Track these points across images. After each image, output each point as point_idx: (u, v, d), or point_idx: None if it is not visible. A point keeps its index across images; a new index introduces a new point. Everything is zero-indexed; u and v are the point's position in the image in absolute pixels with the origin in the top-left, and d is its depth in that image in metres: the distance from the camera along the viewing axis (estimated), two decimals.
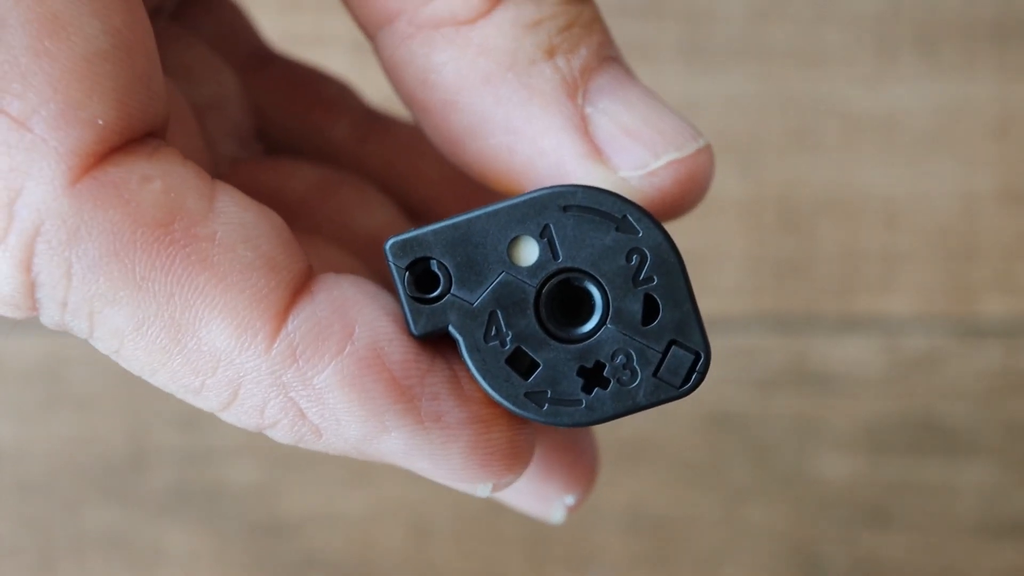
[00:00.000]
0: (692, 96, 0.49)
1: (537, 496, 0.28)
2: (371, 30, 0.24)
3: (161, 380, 0.22)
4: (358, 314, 0.22)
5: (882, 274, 0.49)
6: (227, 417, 0.23)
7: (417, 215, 0.30)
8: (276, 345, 0.22)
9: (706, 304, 0.51)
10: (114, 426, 0.49)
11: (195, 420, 0.49)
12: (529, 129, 0.23)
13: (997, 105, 0.49)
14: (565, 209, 0.22)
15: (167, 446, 0.49)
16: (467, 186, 0.25)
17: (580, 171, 0.24)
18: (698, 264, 0.49)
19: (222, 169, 0.28)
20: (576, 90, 0.24)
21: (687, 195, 0.24)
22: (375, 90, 0.32)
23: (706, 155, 0.24)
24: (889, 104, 0.49)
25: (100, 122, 0.21)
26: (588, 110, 0.24)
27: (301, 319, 0.22)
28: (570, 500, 0.29)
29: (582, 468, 0.29)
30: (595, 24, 0.24)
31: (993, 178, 0.49)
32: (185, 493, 0.49)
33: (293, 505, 0.49)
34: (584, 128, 0.23)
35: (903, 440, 0.49)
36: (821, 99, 0.49)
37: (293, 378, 0.22)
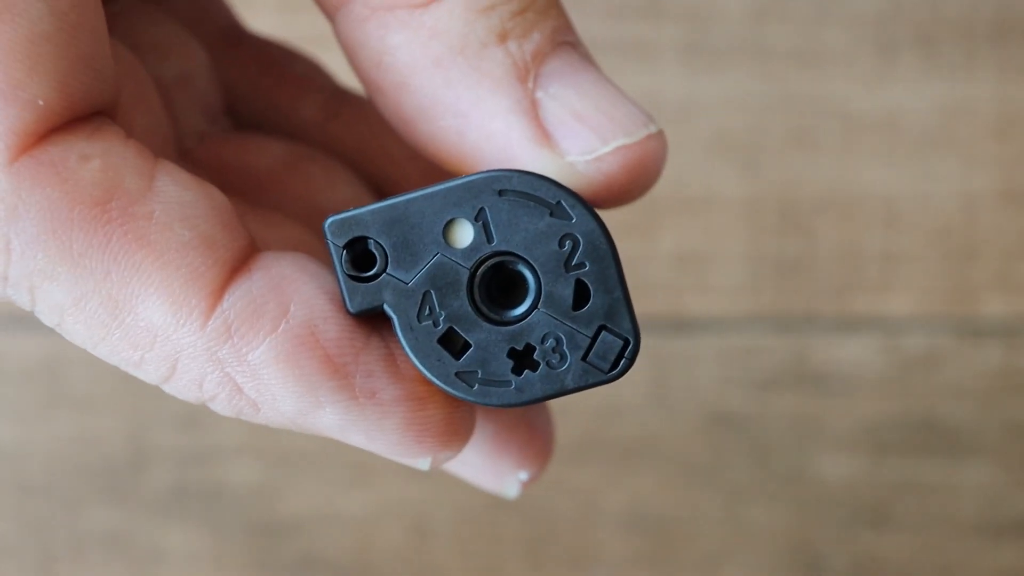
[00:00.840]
0: (692, 96, 0.49)
1: (491, 472, 0.29)
2: (330, 11, 0.25)
3: (103, 352, 0.23)
4: (295, 292, 0.23)
5: (882, 274, 0.49)
6: (169, 389, 0.23)
7: (384, 193, 0.30)
8: (211, 322, 0.22)
9: (706, 304, 0.51)
10: (114, 426, 0.49)
11: (195, 420, 0.49)
12: (477, 112, 0.24)
13: (997, 105, 0.49)
14: (501, 193, 0.23)
15: (167, 446, 0.49)
16: (434, 165, 0.25)
17: (527, 155, 0.24)
18: (698, 264, 0.49)
19: (189, 143, 0.28)
20: (527, 74, 0.24)
21: (635, 181, 0.24)
22: None
23: (656, 141, 0.24)
24: (889, 104, 0.49)
25: (40, 102, 0.21)
26: (538, 94, 0.24)
27: (236, 297, 0.22)
28: (524, 476, 0.29)
29: (536, 445, 0.29)
30: (551, 9, 0.24)
31: (993, 178, 0.49)
32: (185, 493, 0.49)
33: (293, 505, 0.49)
34: (533, 112, 0.24)
35: (903, 440, 0.49)
36: (821, 99, 0.49)
37: (228, 354, 0.22)
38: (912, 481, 0.48)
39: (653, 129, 0.24)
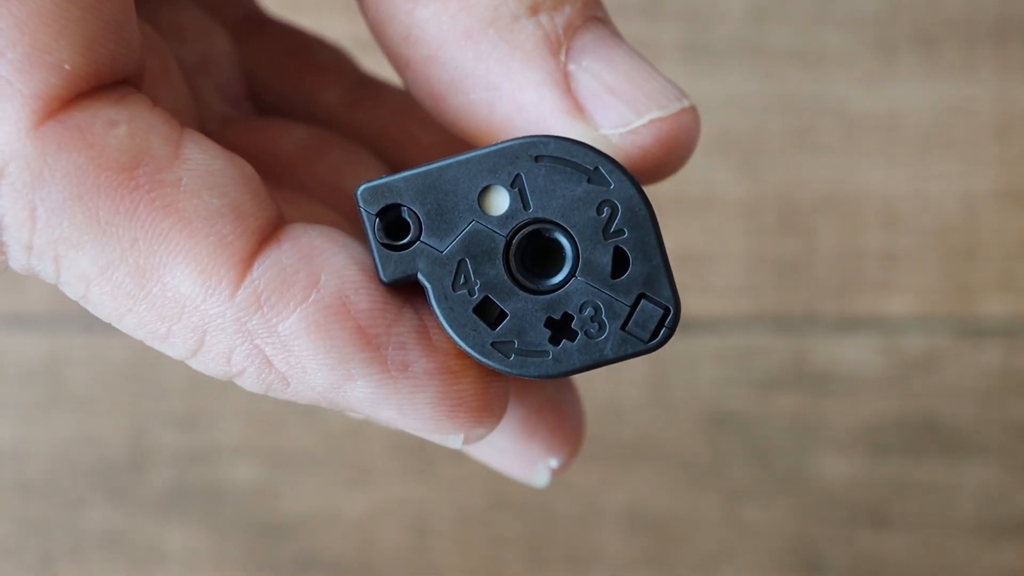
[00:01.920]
0: (692, 96, 0.49)
1: (520, 457, 0.28)
2: None
3: (129, 326, 0.22)
4: (325, 262, 0.22)
5: (882, 274, 0.49)
6: (196, 365, 0.23)
7: None
8: (240, 292, 0.22)
9: (706, 304, 0.51)
10: (114, 426, 0.49)
11: (195, 420, 0.49)
12: (509, 85, 0.23)
13: (997, 105, 0.49)
14: (537, 159, 0.22)
15: (167, 446, 0.49)
16: (460, 149, 0.25)
17: (560, 128, 0.23)
18: (698, 264, 0.49)
19: (211, 127, 0.28)
20: (559, 47, 0.23)
21: (669, 155, 0.24)
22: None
23: (690, 116, 0.24)
24: (889, 104, 0.49)
25: (67, 67, 0.21)
26: (571, 67, 0.23)
27: (266, 266, 0.22)
28: (554, 463, 0.29)
29: (567, 430, 0.29)
30: None
31: (993, 178, 0.49)
32: (185, 493, 0.49)
33: (293, 505, 0.49)
34: (566, 84, 0.23)
35: (903, 440, 0.49)
36: (821, 99, 0.49)
37: (258, 325, 0.22)
38: (912, 481, 0.48)
39: (687, 103, 0.24)
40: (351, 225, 0.26)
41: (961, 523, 0.48)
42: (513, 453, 0.28)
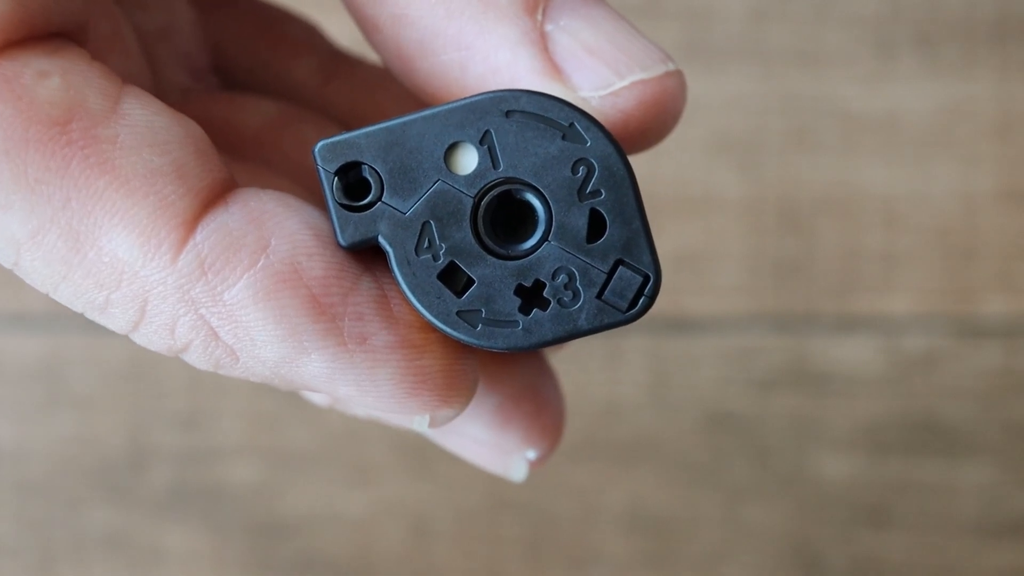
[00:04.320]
0: (692, 96, 0.49)
1: (495, 448, 0.27)
2: None
3: (65, 295, 0.21)
4: (276, 226, 0.21)
5: (882, 274, 0.49)
6: (139, 339, 0.21)
7: None
8: (183, 256, 0.20)
9: (706, 304, 0.51)
10: (114, 426, 0.49)
11: (195, 420, 0.49)
12: (482, 44, 0.22)
13: (997, 105, 0.49)
14: (508, 115, 0.21)
15: (167, 446, 0.49)
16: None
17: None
18: (698, 264, 0.49)
19: (171, 99, 0.26)
20: (535, 5, 0.22)
21: (653, 121, 0.22)
22: None
23: (676, 80, 0.22)
24: (889, 104, 0.49)
25: None
26: (548, 27, 0.22)
27: (211, 229, 0.21)
28: (532, 455, 0.27)
29: (545, 419, 0.27)
30: None
31: (993, 178, 0.49)
32: (185, 493, 0.49)
33: (293, 505, 0.49)
34: (542, 44, 0.22)
35: (903, 440, 0.49)
36: (821, 99, 0.49)
37: (202, 293, 0.21)
38: (912, 481, 0.48)
39: (672, 66, 0.23)
40: (317, 201, 0.25)
41: (961, 523, 0.48)
42: (488, 443, 0.27)
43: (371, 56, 0.27)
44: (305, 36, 0.29)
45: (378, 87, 0.29)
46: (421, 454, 0.48)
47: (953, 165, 0.49)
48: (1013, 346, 0.49)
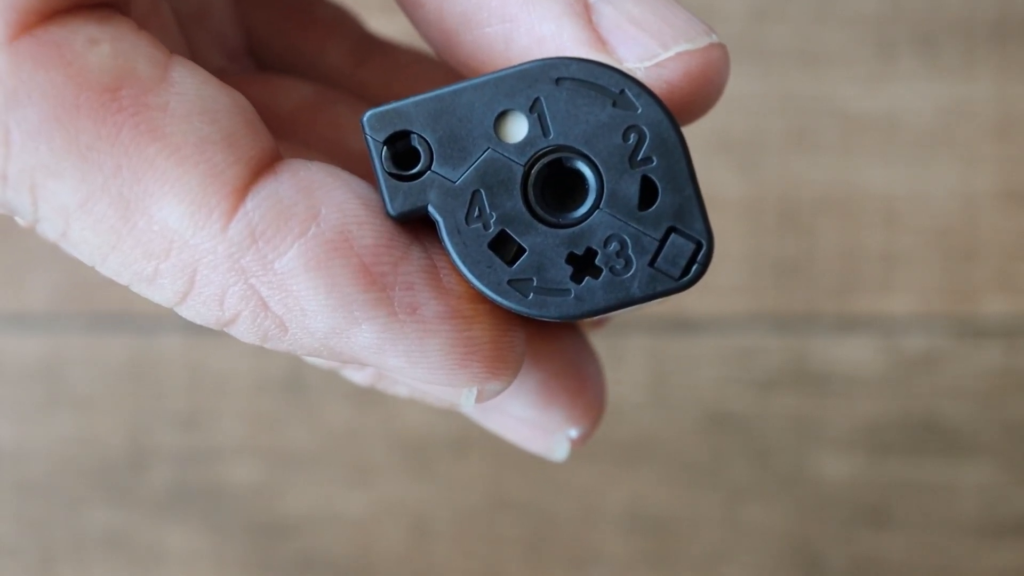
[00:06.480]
0: None
1: (538, 426, 0.27)
2: None
3: (113, 266, 0.21)
4: (326, 195, 0.21)
5: (882, 274, 0.49)
6: (186, 312, 0.21)
7: None
8: (233, 224, 0.20)
9: (706, 304, 0.51)
10: (114, 426, 0.49)
11: (195, 420, 0.49)
12: (527, 16, 0.22)
13: (997, 105, 0.49)
14: (558, 82, 0.21)
15: (167, 446, 0.49)
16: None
17: None
18: None
19: None
20: None
21: (699, 92, 0.22)
22: None
23: (720, 51, 0.22)
24: (889, 104, 0.49)
25: None
26: None
27: (261, 198, 0.20)
28: (574, 433, 0.27)
29: (587, 397, 0.27)
30: None
31: (993, 178, 0.49)
32: (185, 493, 0.49)
33: (293, 505, 0.49)
34: (586, 16, 0.22)
35: (903, 440, 0.49)
36: (821, 99, 0.49)
37: (252, 262, 0.20)
38: (912, 481, 0.48)
39: (715, 39, 0.22)
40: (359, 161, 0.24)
41: (961, 523, 0.48)
42: (530, 421, 0.27)
43: (401, 39, 0.27)
44: (336, 19, 0.29)
45: (411, 70, 0.28)
46: (421, 454, 0.48)
47: (953, 165, 0.49)
48: (1013, 346, 0.49)
